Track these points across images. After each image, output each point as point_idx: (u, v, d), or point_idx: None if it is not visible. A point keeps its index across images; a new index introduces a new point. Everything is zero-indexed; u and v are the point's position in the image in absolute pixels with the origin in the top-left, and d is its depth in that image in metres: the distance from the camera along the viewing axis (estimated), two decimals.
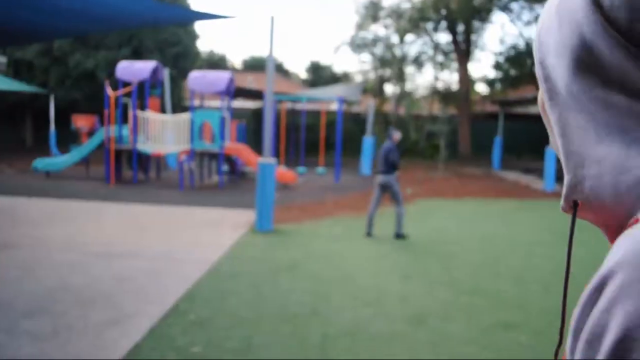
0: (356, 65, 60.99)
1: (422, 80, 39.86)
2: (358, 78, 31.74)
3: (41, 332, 4.36)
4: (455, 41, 27.52)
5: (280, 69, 42.17)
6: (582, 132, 0.59)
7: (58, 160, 15.63)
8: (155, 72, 15.20)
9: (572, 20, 0.58)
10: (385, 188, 8.55)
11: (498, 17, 51.51)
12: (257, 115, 26.25)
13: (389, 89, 30.75)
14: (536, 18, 25.05)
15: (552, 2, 0.63)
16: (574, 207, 0.62)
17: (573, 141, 0.60)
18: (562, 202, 0.64)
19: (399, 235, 8.54)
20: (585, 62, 0.57)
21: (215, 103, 23.20)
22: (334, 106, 23.71)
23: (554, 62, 0.61)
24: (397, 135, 8.77)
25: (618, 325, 0.44)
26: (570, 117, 0.60)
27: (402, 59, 29.08)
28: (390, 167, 8.46)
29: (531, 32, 26.05)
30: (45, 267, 6.29)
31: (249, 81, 32.88)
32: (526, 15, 26.11)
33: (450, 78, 30.25)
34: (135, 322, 4.67)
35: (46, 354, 3.97)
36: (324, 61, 51.81)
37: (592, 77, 0.57)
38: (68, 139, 19.73)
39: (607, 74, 0.56)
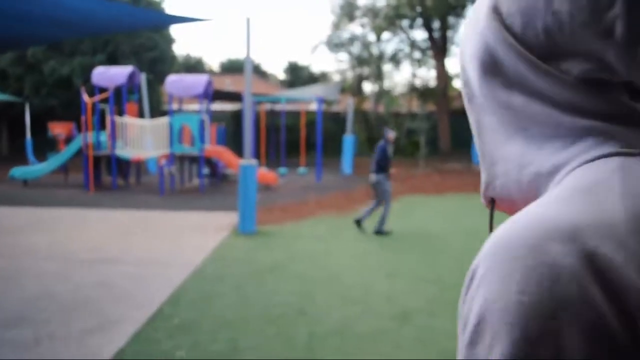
0: (334, 64, 61.14)
1: (400, 77, 40.10)
2: (336, 77, 31.82)
3: (23, 341, 4.29)
4: (431, 38, 27.66)
5: (257, 71, 42.10)
6: (494, 132, 0.64)
7: (35, 168, 15.43)
8: (131, 77, 15.08)
9: (479, 28, 0.64)
10: (375, 187, 8.66)
11: None
12: (236, 118, 26.16)
13: (368, 87, 30.87)
14: None
15: (471, 10, 0.69)
16: (491, 203, 0.68)
17: (487, 141, 0.65)
18: (481, 198, 0.69)
19: (379, 232, 8.61)
20: (490, 66, 0.62)
21: (194, 106, 23.08)
22: (313, 106, 23.70)
23: (470, 67, 0.66)
24: (391, 134, 8.88)
25: (476, 311, 0.49)
26: (484, 119, 0.65)
27: (380, 57, 29.20)
28: (379, 166, 8.57)
29: None
30: (27, 275, 6.20)
31: (227, 84, 32.77)
32: None
33: (427, 75, 30.50)
34: (119, 327, 4.62)
35: None
36: (301, 61, 51.87)
37: (496, 80, 0.62)
38: (45, 146, 19.48)
39: (508, 76, 0.61)
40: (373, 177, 8.65)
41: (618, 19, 0.55)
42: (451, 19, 27.44)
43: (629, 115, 0.57)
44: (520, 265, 0.47)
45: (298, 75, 39.83)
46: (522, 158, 0.60)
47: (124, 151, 14.58)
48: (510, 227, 0.51)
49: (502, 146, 0.63)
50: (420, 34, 33.69)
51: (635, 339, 0.45)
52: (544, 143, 0.59)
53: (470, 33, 0.66)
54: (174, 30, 27.34)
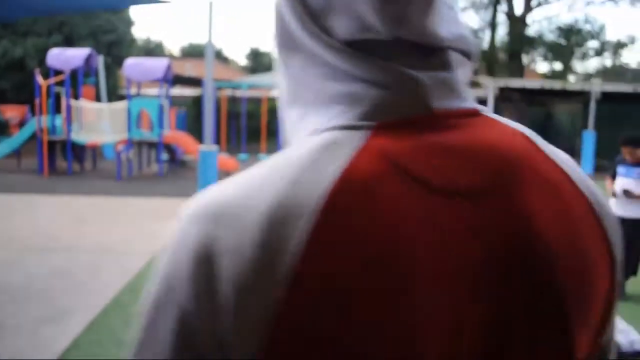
0: None
1: None
2: None
3: None
4: None
5: (219, 56, 41.64)
6: (287, 95, 0.62)
7: None
8: (88, 59, 14.69)
9: None
10: None
11: None
12: (197, 103, 25.82)
13: None
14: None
15: None
16: None
17: (284, 101, 0.64)
18: None
19: None
20: (280, 26, 0.60)
21: (153, 91, 22.69)
22: (275, 93, 23.55)
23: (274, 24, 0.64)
24: None
25: None
26: (282, 80, 0.63)
27: None
28: None
29: (486, 16, 26.55)
30: None
31: (188, 68, 32.30)
32: None
33: None
34: (74, 317, 4.52)
35: None
36: (263, 48, 51.53)
37: (284, 42, 0.60)
38: None
39: (291, 39, 0.58)
40: None
41: None
42: None
43: (394, 79, 0.53)
44: (171, 236, 0.53)
45: (260, 62, 39.59)
46: (298, 123, 0.59)
47: (80, 135, 14.23)
48: (195, 198, 0.54)
49: (290, 109, 0.62)
50: None
51: (219, 340, 0.47)
52: (310, 109, 0.57)
53: None
54: (134, 12, 26.77)
